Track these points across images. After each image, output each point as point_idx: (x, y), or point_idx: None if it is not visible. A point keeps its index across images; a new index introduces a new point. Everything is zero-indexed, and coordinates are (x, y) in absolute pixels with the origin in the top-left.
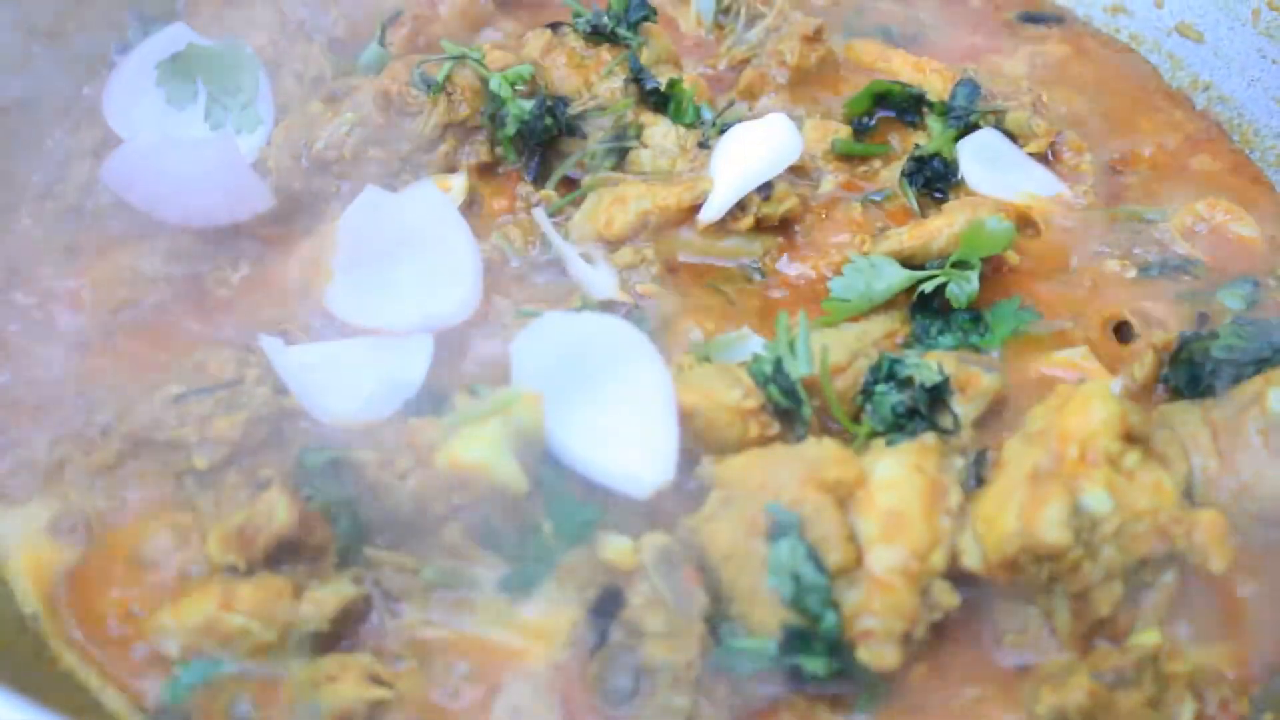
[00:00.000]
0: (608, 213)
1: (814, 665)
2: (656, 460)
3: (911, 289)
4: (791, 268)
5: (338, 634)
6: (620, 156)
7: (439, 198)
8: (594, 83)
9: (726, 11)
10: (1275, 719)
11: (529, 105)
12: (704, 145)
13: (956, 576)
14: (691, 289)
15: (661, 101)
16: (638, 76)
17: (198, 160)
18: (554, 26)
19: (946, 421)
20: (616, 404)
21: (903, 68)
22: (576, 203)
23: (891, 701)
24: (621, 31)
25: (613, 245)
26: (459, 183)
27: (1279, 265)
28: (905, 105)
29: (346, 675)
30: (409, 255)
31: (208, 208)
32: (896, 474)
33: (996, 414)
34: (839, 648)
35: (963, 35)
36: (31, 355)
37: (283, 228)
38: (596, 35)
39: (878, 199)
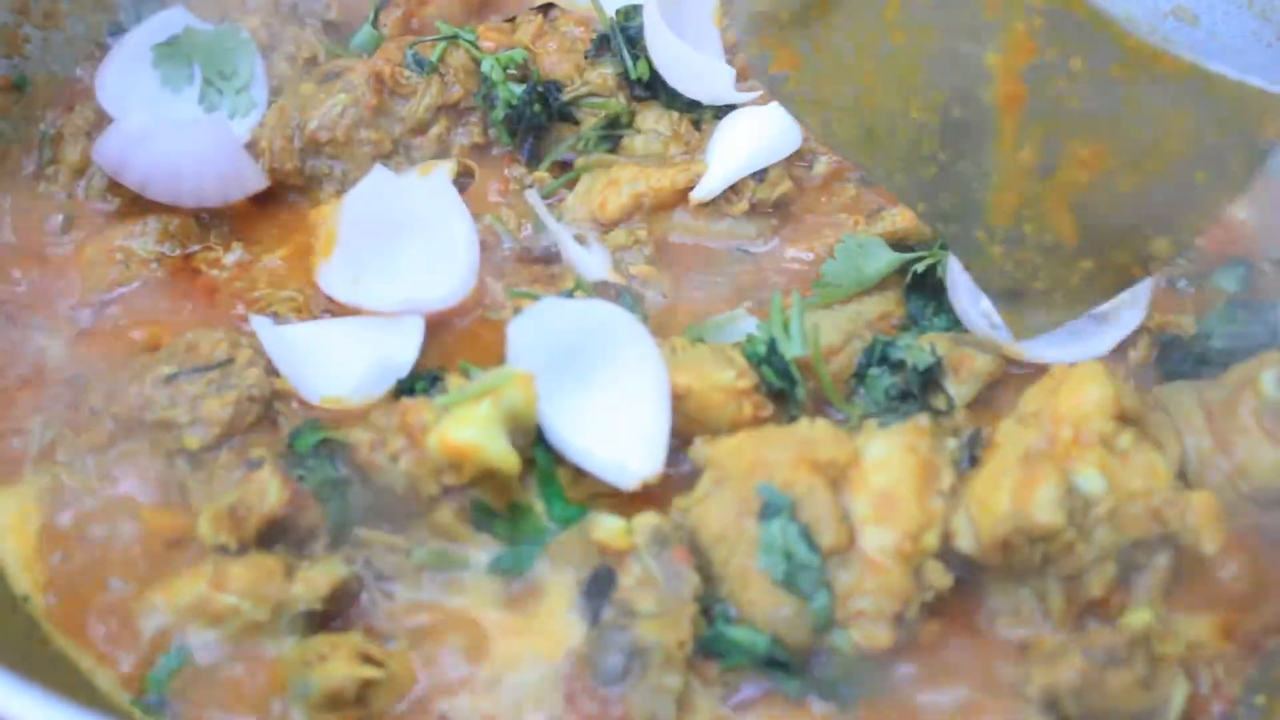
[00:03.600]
0: (601, 194)
1: (788, 685)
2: (646, 452)
3: (905, 270)
4: (786, 250)
5: (329, 614)
6: (614, 142)
7: (443, 181)
8: (585, 68)
9: None
10: (1268, 700)
11: (519, 90)
12: (697, 126)
13: (949, 557)
14: (685, 270)
15: (653, 87)
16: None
17: (190, 141)
18: (545, 10)
19: (940, 403)
20: (609, 392)
21: None
22: (570, 184)
23: (883, 684)
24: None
25: (606, 227)
26: (448, 167)
27: (1273, 249)
28: None
29: (337, 654)
30: (408, 237)
31: (200, 188)
32: (889, 455)
33: (991, 395)
34: (815, 666)
35: None
36: (23, 335)
37: (275, 209)
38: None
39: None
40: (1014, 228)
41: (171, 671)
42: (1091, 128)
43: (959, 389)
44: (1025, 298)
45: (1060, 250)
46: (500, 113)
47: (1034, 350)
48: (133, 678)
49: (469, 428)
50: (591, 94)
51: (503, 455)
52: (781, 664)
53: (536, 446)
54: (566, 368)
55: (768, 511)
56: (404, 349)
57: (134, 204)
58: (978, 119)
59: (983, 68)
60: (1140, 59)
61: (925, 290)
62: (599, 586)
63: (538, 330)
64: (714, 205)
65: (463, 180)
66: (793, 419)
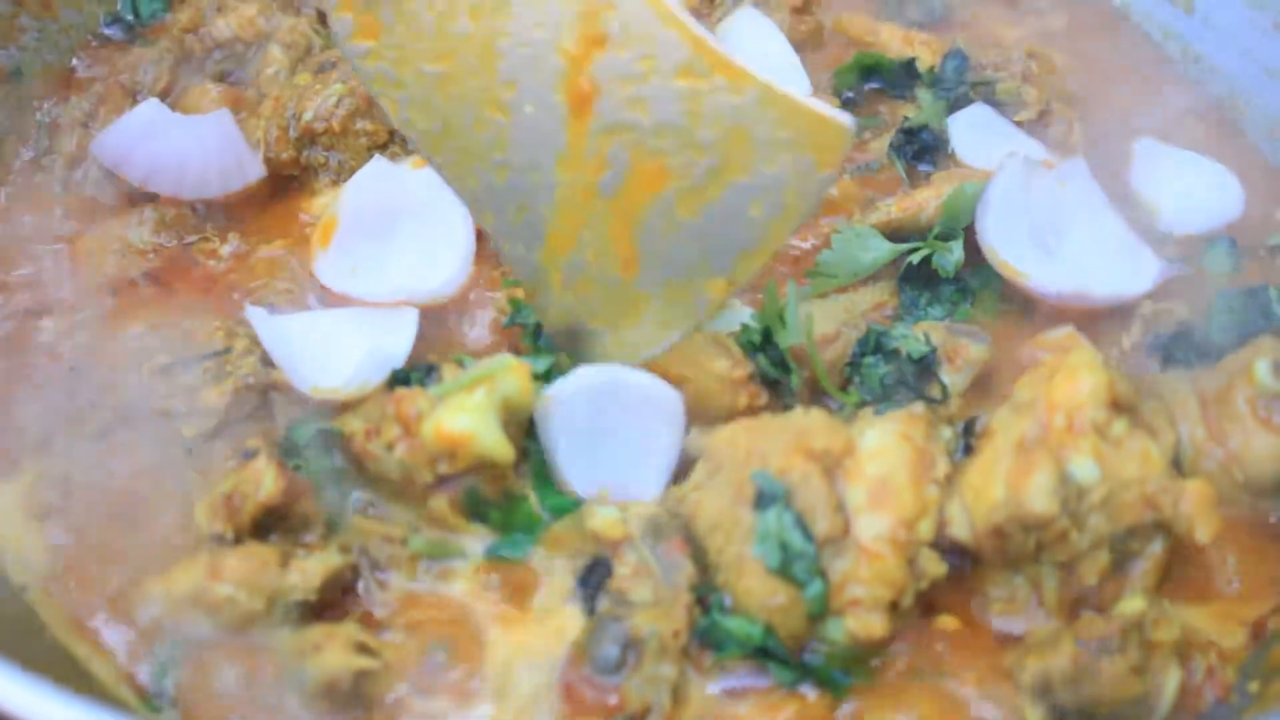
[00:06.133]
0: None
1: (781, 675)
2: (642, 493)
3: (900, 261)
4: None
5: (325, 603)
6: None
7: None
8: None
9: None
10: (1261, 687)
11: None
12: None
13: (944, 546)
14: None
15: None
16: None
17: (195, 135)
18: None
19: (935, 391)
20: (627, 450)
21: (891, 40)
22: None
23: (876, 672)
24: None
25: None
26: None
27: (1269, 236)
28: (894, 77)
29: (333, 644)
30: (405, 227)
31: (204, 180)
32: (884, 443)
33: (985, 384)
34: (810, 656)
35: (971, 10)
36: (20, 326)
37: (271, 199)
38: None
39: (870, 170)
40: (576, 253)
41: (169, 661)
42: (656, 141)
43: (953, 377)
44: (581, 339)
45: (619, 286)
46: None
47: (1040, 283)
48: (130, 668)
49: (463, 416)
50: None
51: (496, 444)
52: (776, 655)
53: (531, 436)
54: (596, 427)
55: (763, 500)
56: (398, 339)
57: (130, 195)
58: (548, 121)
59: (555, 59)
60: (704, 65)
61: (920, 280)
62: (594, 576)
63: (585, 400)
64: None
65: None
66: (788, 408)
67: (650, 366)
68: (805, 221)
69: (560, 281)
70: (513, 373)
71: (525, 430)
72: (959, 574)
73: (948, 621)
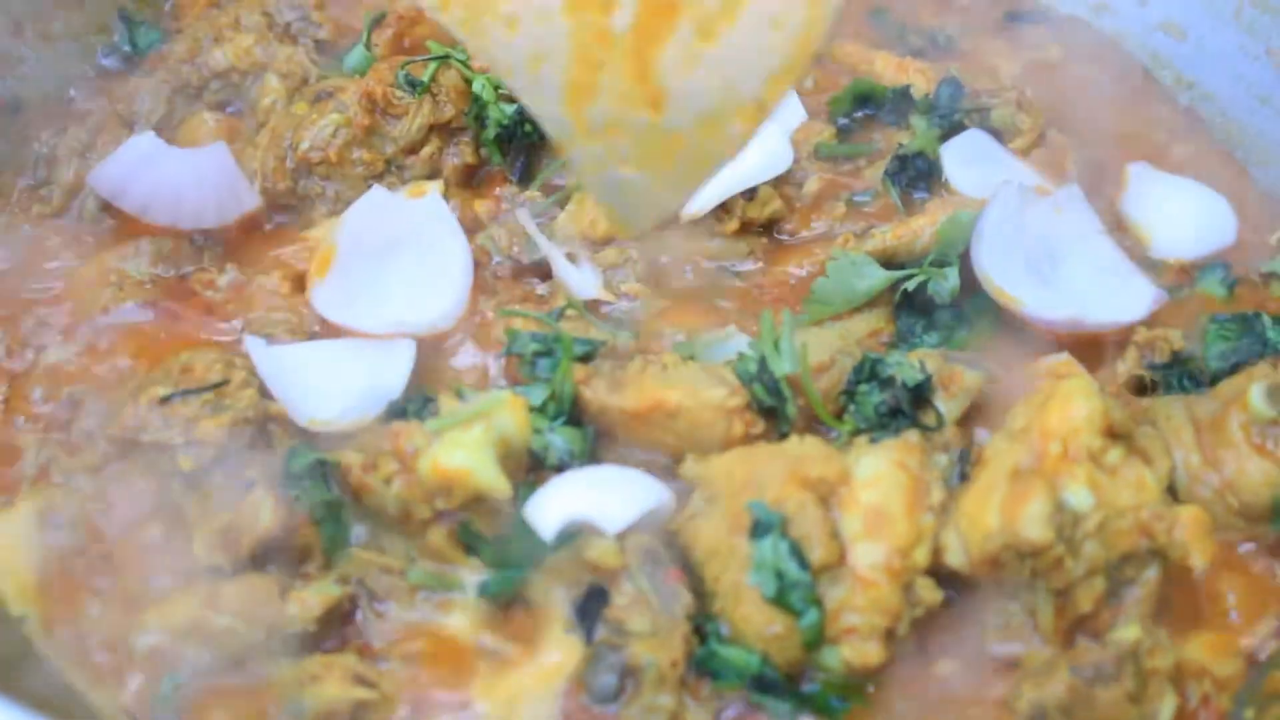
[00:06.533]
0: (592, 213)
1: (778, 707)
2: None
3: (895, 288)
4: (776, 267)
5: (323, 634)
6: None
7: (439, 202)
8: None
9: None
10: (1257, 715)
11: (511, 110)
12: None
13: (940, 573)
14: (676, 288)
15: None
16: None
17: (192, 167)
18: None
19: (930, 419)
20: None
21: (885, 69)
22: (561, 204)
23: (873, 700)
24: None
25: (597, 245)
26: (437, 187)
27: (1262, 261)
28: (889, 104)
29: (331, 675)
30: (403, 258)
31: (200, 211)
32: (880, 471)
33: (981, 411)
34: (806, 689)
35: (968, 39)
36: (17, 357)
37: (268, 230)
38: None
39: (863, 198)
40: (598, 99)
41: (170, 694)
42: None
43: (948, 405)
44: (618, 189)
45: (649, 126)
46: (492, 132)
47: (1035, 310)
48: (129, 700)
49: (459, 453)
50: None
51: (493, 481)
52: (773, 685)
53: (529, 472)
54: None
55: (758, 529)
56: (395, 371)
57: (127, 225)
58: None
59: None
60: None
61: (915, 307)
62: (592, 605)
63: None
64: (705, 224)
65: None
66: (783, 436)
67: (648, 391)
68: (828, 34)
69: (586, 130)
70: (510, 408)
71: (523, 465)
72: (960, 613)
73: (950, 666)
